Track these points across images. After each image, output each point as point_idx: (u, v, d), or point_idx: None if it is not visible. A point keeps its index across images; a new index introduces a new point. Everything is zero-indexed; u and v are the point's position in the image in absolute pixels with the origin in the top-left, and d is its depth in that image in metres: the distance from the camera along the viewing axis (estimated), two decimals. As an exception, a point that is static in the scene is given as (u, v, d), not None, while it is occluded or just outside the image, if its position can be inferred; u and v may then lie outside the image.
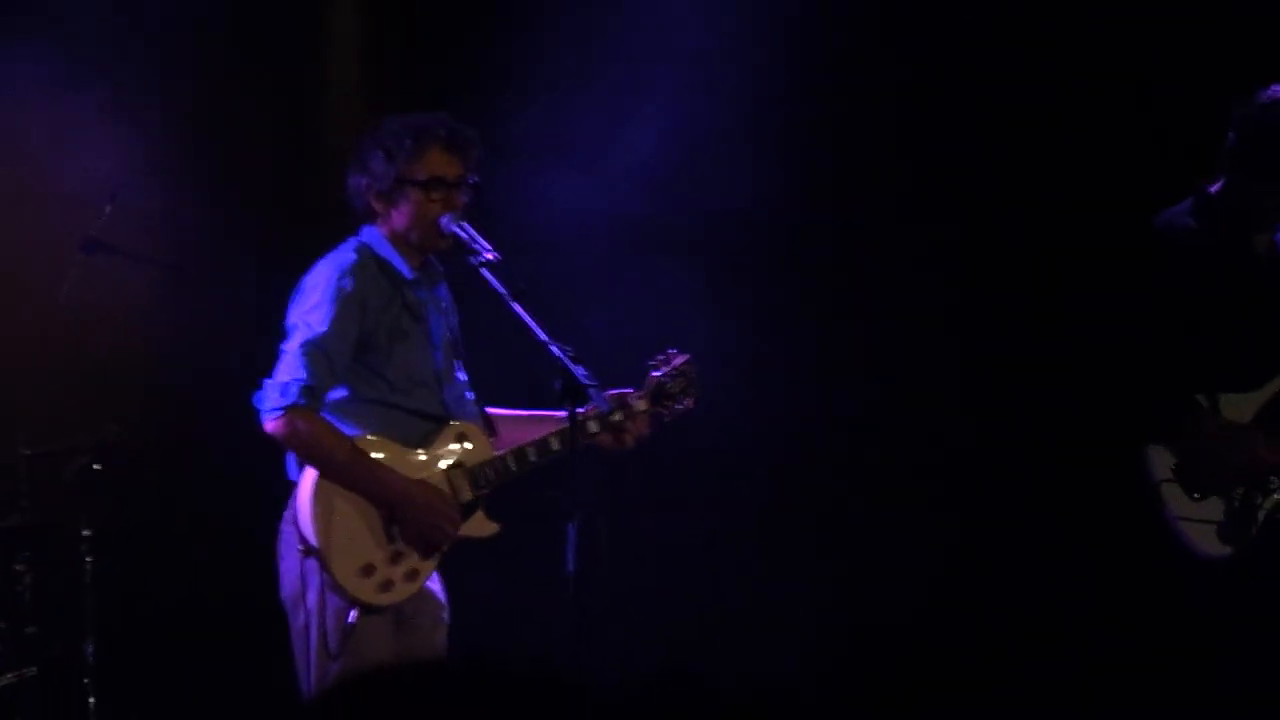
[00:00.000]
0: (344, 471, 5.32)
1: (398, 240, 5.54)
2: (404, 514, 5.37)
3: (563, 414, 5.34)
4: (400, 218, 5.53)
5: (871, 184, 7.61)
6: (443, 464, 5.50)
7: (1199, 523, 5.72)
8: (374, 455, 5.39)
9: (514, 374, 5.70)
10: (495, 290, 5.27)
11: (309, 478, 5.33)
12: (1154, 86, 7.16)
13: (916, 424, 7.58)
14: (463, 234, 5.43)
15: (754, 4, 7.58)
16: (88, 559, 6.62)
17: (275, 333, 5.47)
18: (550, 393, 5.23)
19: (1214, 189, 5.88)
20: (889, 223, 7.60)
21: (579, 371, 5.12)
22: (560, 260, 7.27)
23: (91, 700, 6.57)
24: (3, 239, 7.17)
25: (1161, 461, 5.76)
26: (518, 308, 5.22)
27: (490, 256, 5.34)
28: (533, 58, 7.50)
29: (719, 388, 5.93)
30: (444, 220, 5.47)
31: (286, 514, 5.40)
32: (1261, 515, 5.74)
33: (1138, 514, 5.76)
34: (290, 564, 5.37)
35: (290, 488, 5.41)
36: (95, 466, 6.62)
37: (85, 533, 6.63)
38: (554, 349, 5.14)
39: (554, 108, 7.46)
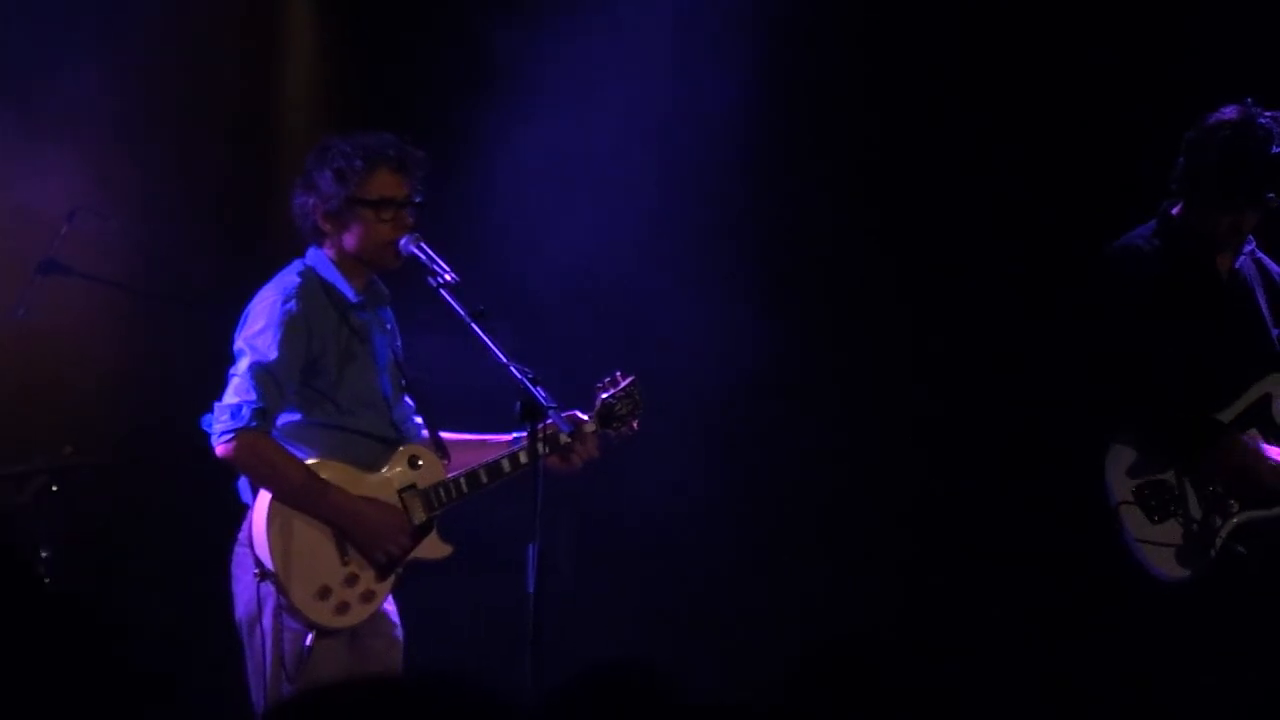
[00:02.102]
0: (297, 493, 5.32)
1: (344, 262, 5.52)
2: (357, 534, 5.37)
3: (511, 438, 5.50)
4: (350, 239, 5.50)
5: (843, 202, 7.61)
6: (395, 486, 5.49)
7: (1157, 545, 5.74)
8: (326, 477, 5.38)
9: (466, 398, 5.70)
10: (455, 311, 5.28)
11: (263, 500, 5.32)
12: (1126, 107, 7.18)
13: (892, 439, 7.59)
14: (422, 255, 5.44)
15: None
16: (45, 580, 6.59)
17: (229, 354, 5.45)
18: (509, 414, 5.28)
19: (1175, 211, 5.90)
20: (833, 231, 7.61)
21: (539, 393, 5.16)
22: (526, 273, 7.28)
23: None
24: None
25: (1121, 484, 5.78)
26: (477, 329, 5.26)
27: (449, 278, 5.36)
28: (489, 70, 7.47)
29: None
30: (403, 242, 5.47)
31: (241, 535, 5.39)
32: (1219, 540, 5.76)
33: (1096, 536, 5.79)
34: (245, 586, 5.36)
35: (244, 510, 5.40)
36: (53, 488, 6.60)
37: (43, 554, 6.59)
38: (514, 370, 5.17)
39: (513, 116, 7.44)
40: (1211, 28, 6.99)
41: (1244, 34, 6.89)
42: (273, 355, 5.34)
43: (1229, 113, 5.78)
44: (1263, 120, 5.75)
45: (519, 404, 5.19)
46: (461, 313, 5.29)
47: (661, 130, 7.49)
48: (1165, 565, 5.73)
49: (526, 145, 7.32)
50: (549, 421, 5.19)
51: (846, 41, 7.58)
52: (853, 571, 7.51)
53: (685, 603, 7.50)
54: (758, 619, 7.44)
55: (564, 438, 5.44)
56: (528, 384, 5.16)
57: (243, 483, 5.42)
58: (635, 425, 5.74)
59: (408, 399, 5.66)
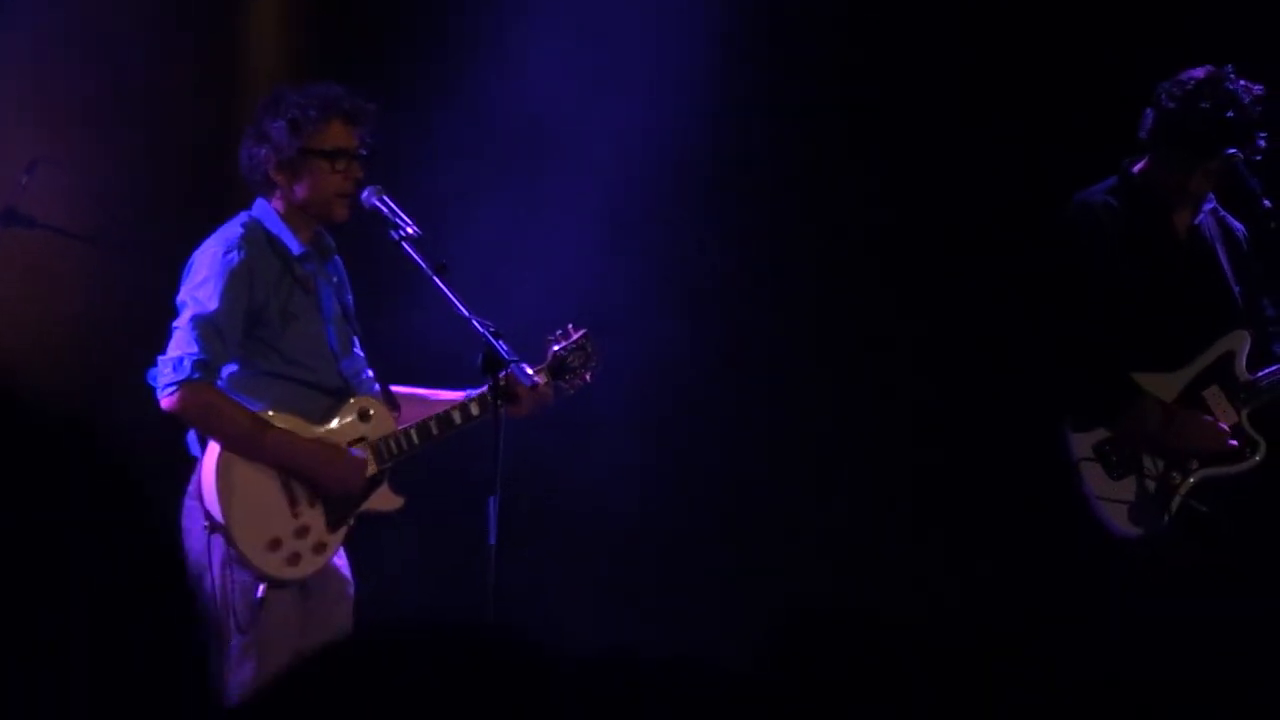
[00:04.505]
0: (245, 441, 5.31)
1: (291, 214, 5.50)
2: (307, 474, 5.36)
3: (460, 395, 5.54)
4: (301, 190, 5.48)
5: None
6: (345, 437, 5.47)
7: (1116, 502, 5.73)
8: (272, 426, 5.37)
9: (418, 351, 5.68)
10: (417, 265, 5.32)
11: (212, 452, 5.31)
12: (1082, 61, 7.15)
13: (843, 410, 7.55)
14: (384, 208, 5.44)
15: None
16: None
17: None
18: (469, 367, 5.29)
19: (1136, 169, 5.89)
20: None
21: (501, 346, 5.23)
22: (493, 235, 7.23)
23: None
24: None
25: (1082, 440, 5.77)
26: (439, 283, 5.31)
27: (412, 231, 5.37)
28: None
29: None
30: (365, 194, 5.47)
31: (190, 488, 5.37)
32: (1177, 499, 5.75)
33: (1057, 492, 5.77)
34: (195, 539, 5.32)
35: (193, 463, 5.37)
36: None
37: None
38: (476, 323, 5.25)
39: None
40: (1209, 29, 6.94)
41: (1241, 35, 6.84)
42: (214, 306, 5.31)
43: (1200, 71, 5.78)
44: (1231, 80, 5.75)
45: (480, 356, 5.28)
46: (423, 266, 5.33)
47: (631, 96, 7.43)
48: (1123, 522, 5.73)
49: (485, 102, 7.27)
50: (509, 372, 5.28)
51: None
52: (816, 543, 7.47)
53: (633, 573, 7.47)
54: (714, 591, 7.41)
55: (524, 390, 5.45)
56: (489, 337, 5.23)
57: (192, 436, 5.39)
58: (588, 378, 5.73)
59: (358, 351, 5.62)
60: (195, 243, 5.63)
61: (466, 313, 5.25)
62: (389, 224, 5.40)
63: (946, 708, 2.28)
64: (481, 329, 5.23)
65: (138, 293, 7.03)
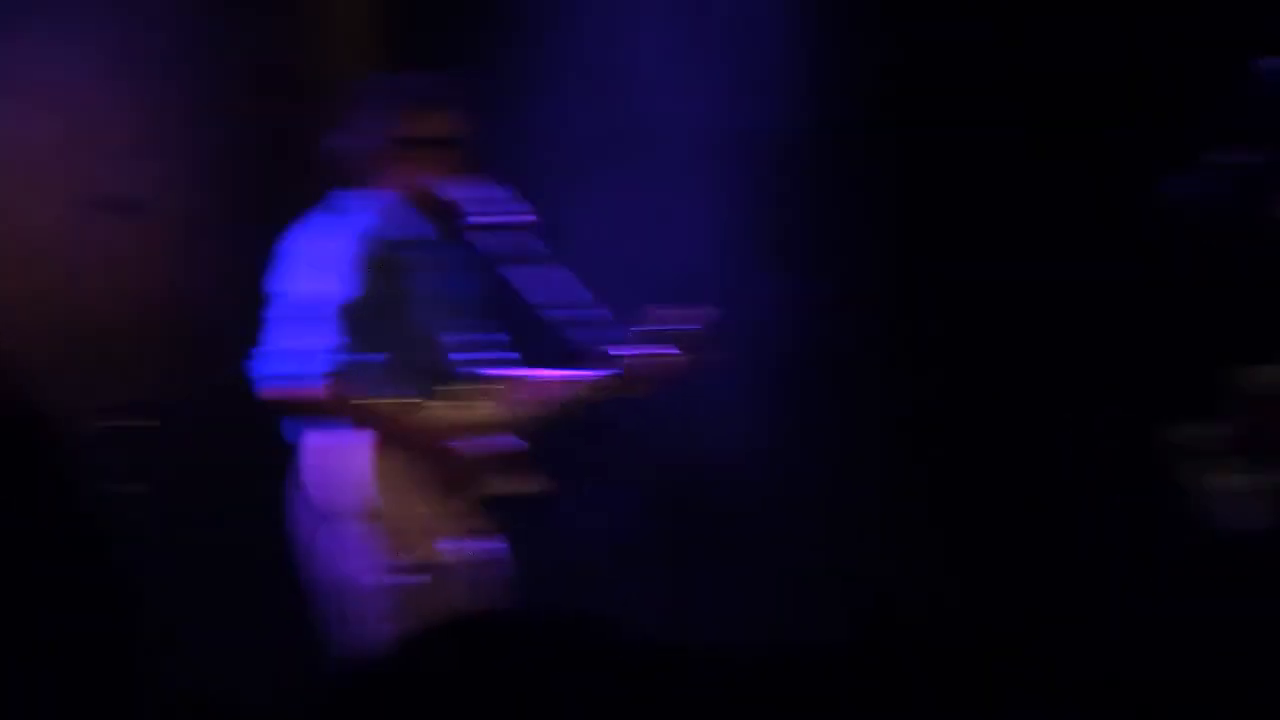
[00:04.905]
0: (358, 430, 5.31)
1: (394, 200, 5.50)
2: (431, 470, 5.34)
3: (574, 375, 5.54)
4: (400, 177, 5.48)
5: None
6: (459, 423, 5.45)
7: (1227, 496, 5.68)
8: (408, 416, 5.37)
9: (525, 336, 5.67)
10: (502, 253, 5.35)
11: (330, 440, 5.31)
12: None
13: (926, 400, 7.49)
14: (467, 195, 5.45)
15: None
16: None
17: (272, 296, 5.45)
18: (560, 355, 5.29)
19: (1232, 157, 5.81)
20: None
21: (587, 335, 5.32)
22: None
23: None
24: (13, 202, 7.15)
25: (1190, 435, 5.71)
26: (524, 270, 5.35)
27: (503, 218, 5.37)
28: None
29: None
30: (446, 181, 5.48)
31: (297, 476, 5.39)
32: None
33: (1163, 488, 5.71)
34: (314, 528, 5.36)
35: (297, 451, 5.39)
36: (105, 426, 6.61)
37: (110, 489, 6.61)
38: (560, 313, 5.32)
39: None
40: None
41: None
42: (320, 294, 5.31)
43: None
44: None
45: (573, 345, 5.32)
46: (508, 253, 5.37)
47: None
48: (1235, 516, 5.67)
49: (573, 88, 7.26)
50: (605, 366, 5.37)
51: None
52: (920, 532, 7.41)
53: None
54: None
55: (615, 380, 5.48)
56: (575, 325, 5.32)
57: (295, 424, 5.40)
58: (701, 358, 5.67)
59: (470, 336, 5.62)
60: (291, 233, 5.65)
61: (551, 300, 5.30)
62: (472, 211, 5.42)
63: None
64: (567, 317, 5.26)
65: (232, 281, 7.07)
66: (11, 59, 7.09)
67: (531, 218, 5.39)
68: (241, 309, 5.58)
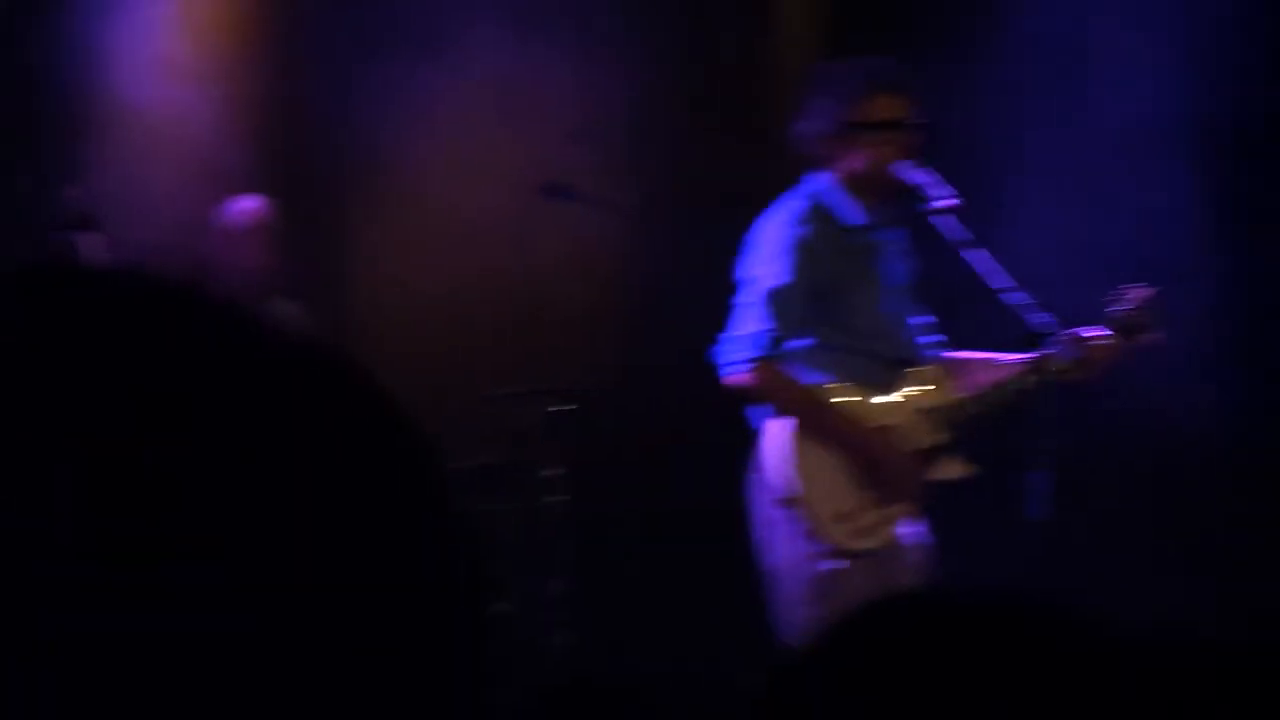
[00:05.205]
0: (806, 419, 5.35)
1: (849, 185, 5.51)
2: (865, 462, 5.37)
3: (1020, 358, 5.48)
4: (852, 163, 5.49)
5: None
6: (907, 408, 5.48)
7: None
8: (835, 403, 5.39)
9: (973, 320, 5.65)
10: (951, 238, 5.32)
11: (779, 427, 5.36)
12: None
13: None
14: (918, 180, 5.43)
15: None
16: (549, 499, 6.77)
17: (732, 282, 5.51)
18: (1010, 339, 5.27)
19: None
20: None
21: (1039, 319, 5.24)
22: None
23: (558, 638, 6.73)
24: (468, 186, 7.38)
25: None
26: (974, 255, 5.29)
27: (946, 203, 5.34)
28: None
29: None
30: (899, 165, 5.45)
31: (755, 461, 5.45)
32: None
33: None
34: (761, 511, 5.42)
35: (756, 436, 5.44)
36: (555, 409, 6.76)
37: (547, 473, 6.78)
38: (1011, 297, 5.25)
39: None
40: None
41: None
42: (781, 281, 5.36)
43: None
44: None
45: (1022, 329, 5.27)
46: (958, 238, 5.32)
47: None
48: None
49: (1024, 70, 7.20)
50: (1051, 349, 5.30)
51: None
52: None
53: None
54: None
55: (1064, 363, 5.41)
56: (1026, 310, 5.25)
57: (755, 411, 5.46)
58: (1158, 337, 5.60)
59: (919, 320, 5.64)
60: (735, 214, 5.73)
61: (1002, 285, 5.24)
62: (923, 196, 5.39)
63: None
64: (1018, 301, 5.22)
65: (676, 263, 7.20)
66: (469, 48, 7.33)
67: (959, 201, 5.34)
68: (703, 295, 5.68)
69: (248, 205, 6.86)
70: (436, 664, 1.21)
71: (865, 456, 5.37)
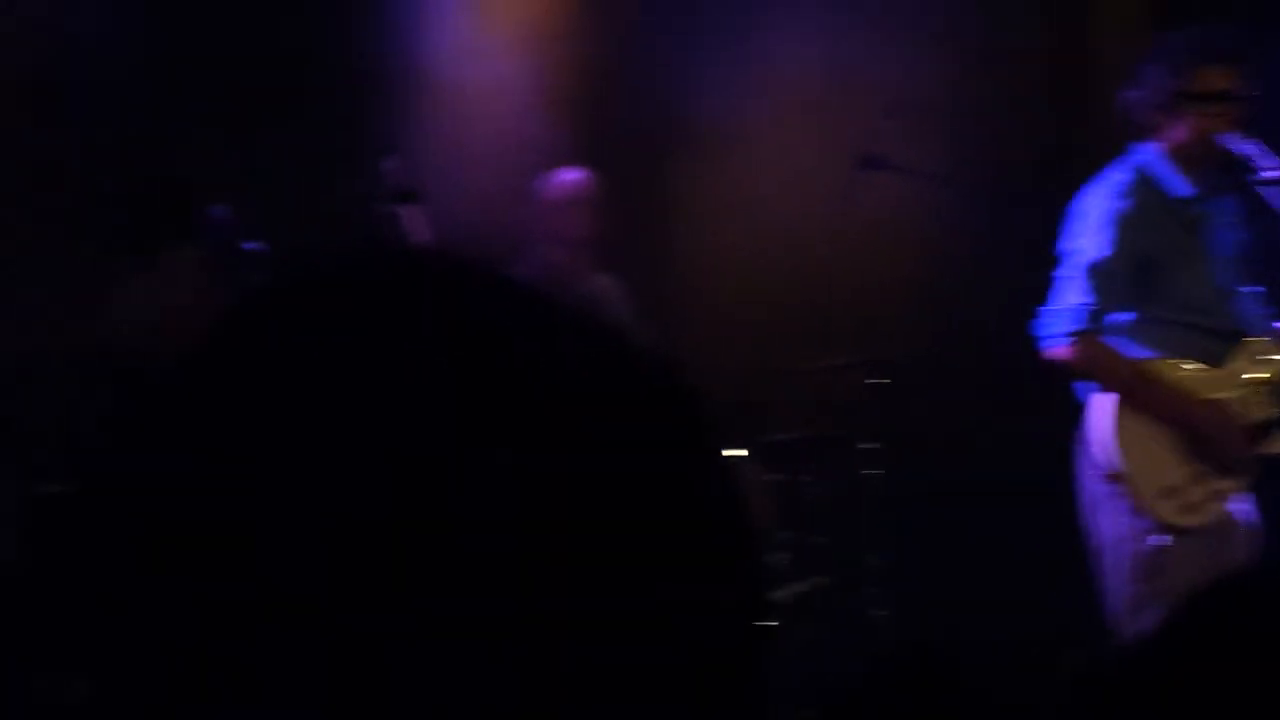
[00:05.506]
0: (1130, 393, 5.26)
1: (1176, 156, 5.40)
2: (1196, 436, 5.27)
3: None
4: (1178, 133, 5.38)
5: None
6: (1238, 380, 5.36)
7: None
8: (1162, 376, 5.30)
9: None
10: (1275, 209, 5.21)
11: (1104, 402, 5.29)
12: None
13: None
14: (1246, 150, 5.30)
15: None
16: (867, 471, 6.75)
17: (1052, 252, 5.44)
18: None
19: None
20: None
21: None
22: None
23: (877, 611, 6.72)
24: (787, 158, 7.39)
25: None
26: None
27: (1274, 174, 5.22)
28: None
29: None
30: (1225, 137, 5.33)
31: (1080, 436, 5.38)
32: None
33: None
34: (1088, 486, 5.35)
35: (1082, 410, 5.37)
36: (870, 381, 6.74)
37: (862, 446, 6.76)
38: None
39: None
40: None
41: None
42: (1105, 253, 5.29)
43: None
44: None
45: None
46: (1280, 208, 5.19)
47: None
48: None
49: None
50: None
51: None
52: None
53: None
54: None
55: None
56: None
57: (1080, 385, 5.40)
58: None
59: (1253, 291, 5.50)
60: (1050, 185, 5.65)
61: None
62: (1248, 167, 5.28)
63: None
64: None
65: (993, 236, 7.13)
66: (790, 25, 7.34)
67: None
68: (1023, 268, 5.61)
69: (569, 177, 6.94)
70: (727, 681, 1.19)
71: (1196, 430, 5.27)
